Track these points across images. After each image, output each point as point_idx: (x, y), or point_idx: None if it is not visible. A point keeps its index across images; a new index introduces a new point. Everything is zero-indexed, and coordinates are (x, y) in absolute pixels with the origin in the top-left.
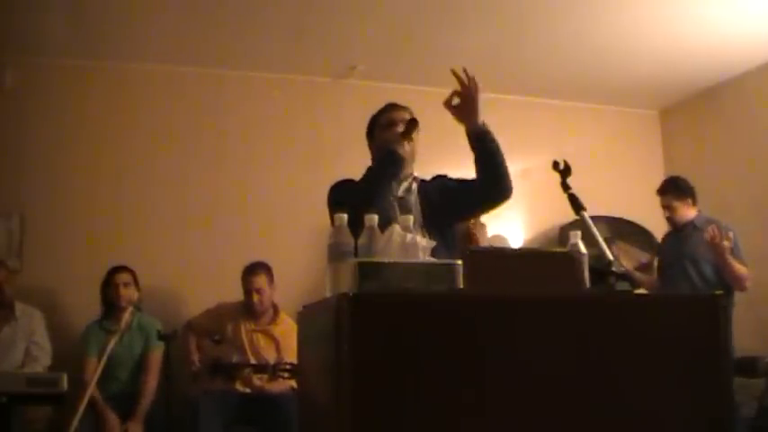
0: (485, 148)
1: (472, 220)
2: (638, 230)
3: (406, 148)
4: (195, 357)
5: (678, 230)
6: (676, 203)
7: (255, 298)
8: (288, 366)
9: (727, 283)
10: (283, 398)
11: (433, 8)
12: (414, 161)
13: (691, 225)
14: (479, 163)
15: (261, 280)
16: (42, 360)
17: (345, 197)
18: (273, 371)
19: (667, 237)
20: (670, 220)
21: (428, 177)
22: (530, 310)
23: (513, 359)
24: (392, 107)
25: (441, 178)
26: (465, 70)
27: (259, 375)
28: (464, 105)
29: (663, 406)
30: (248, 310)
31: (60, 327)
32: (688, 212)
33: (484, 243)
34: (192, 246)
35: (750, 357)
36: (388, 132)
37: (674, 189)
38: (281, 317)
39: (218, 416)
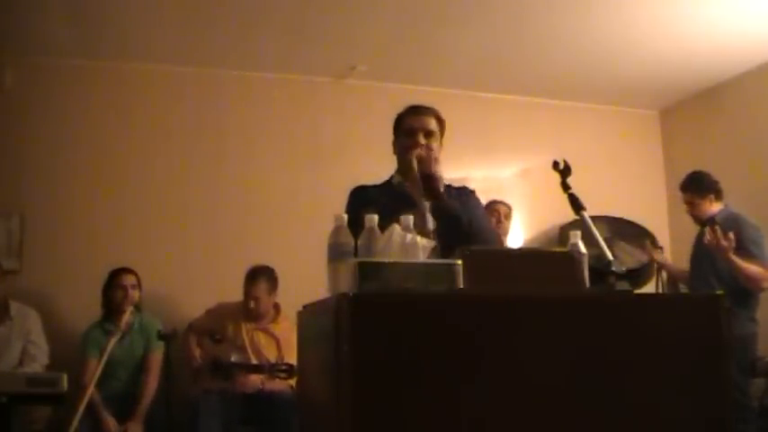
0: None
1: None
2: (638, 230)
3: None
4: (196, 354)
5: (703, 227)
6: (697, 200)
7: (251, 304)
8: (284, 367)
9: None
10: (283, 398)
11: (433, 8)
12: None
13: (711, 221)
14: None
15: (260, 288)
16: (40, 359)
17: (358, 208)
18: (271, 371)
19: (698, 234)
20: (693, 216)
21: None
22: (530, 310)
23: (513, 359)
24: (414, 111)
25: (466, 193)
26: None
27: (257, 376)
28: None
29: (663, 406)
30: (247, 311)
31: (60, 327)
32: (709, 208)
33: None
34: (192, 246)
35: (750, 357)
36: (408, 141)
37: (694, 185)
38: (282, 316)
39: (218, 416)
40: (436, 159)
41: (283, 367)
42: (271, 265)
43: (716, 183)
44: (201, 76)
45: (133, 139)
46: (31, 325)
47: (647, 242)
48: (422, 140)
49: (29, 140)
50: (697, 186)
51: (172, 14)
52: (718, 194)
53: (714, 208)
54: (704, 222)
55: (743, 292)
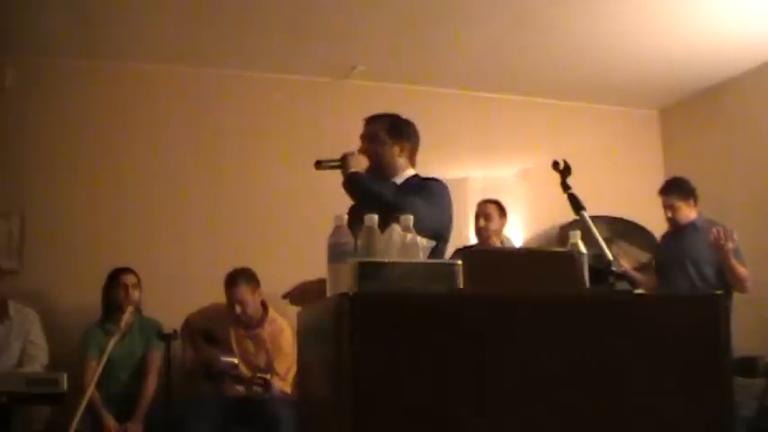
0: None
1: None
2: (638, 230)
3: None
4: (187, 357)
5: (678, 231)
6: (679, 204)
7: (238, 309)
8: (260, 381)
9: (728, 283)
10: (275, 400)
11: (434, 8)
12: (390, 168)
13: (691, 226)
14: None
15: (242, 291)
16: (40, 359)
17: None
18: (249, 385)
19: (666, 237)
20: (672, 220)
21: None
22: (530, 309)
23: (513, 359)
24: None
25: (428, 181)
26: None
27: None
28: None
29: (662, 405)
30: (235, 317)
31: (60, 327)
32: (690, 213)
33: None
34: (191, 246)
35: (750, 357)
36: None
37: (676, 189)
38: (271, 316)
39: (212, 418)
40: (364, 154)
41: (260, 381)
42: (270, 264)
43: (695, 189)
44: (201, 76)
45: (133, 139)
46: (30, 325)
47: (615, 252)
48: (362, 147)
49: (29, 140)
50: (679, 190)
51: (172, 14)
52: (696, 200)
53: (693, 214)
54: (682, 227)
55: (725, 292)
